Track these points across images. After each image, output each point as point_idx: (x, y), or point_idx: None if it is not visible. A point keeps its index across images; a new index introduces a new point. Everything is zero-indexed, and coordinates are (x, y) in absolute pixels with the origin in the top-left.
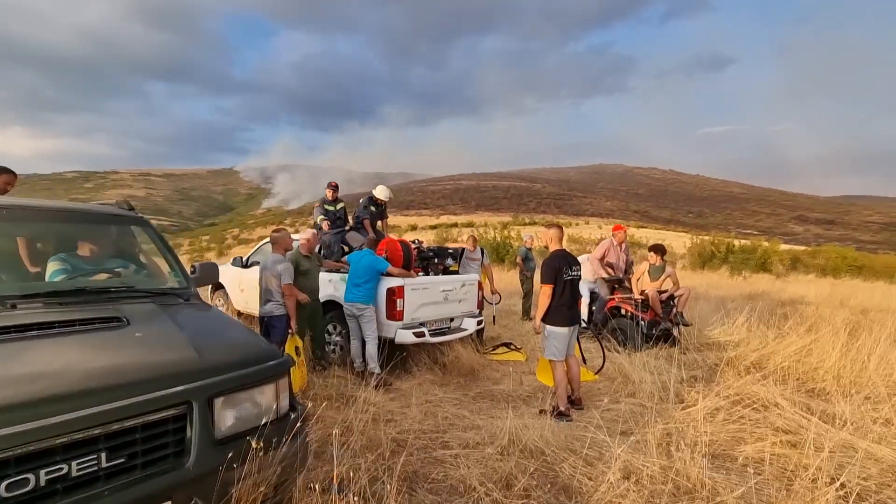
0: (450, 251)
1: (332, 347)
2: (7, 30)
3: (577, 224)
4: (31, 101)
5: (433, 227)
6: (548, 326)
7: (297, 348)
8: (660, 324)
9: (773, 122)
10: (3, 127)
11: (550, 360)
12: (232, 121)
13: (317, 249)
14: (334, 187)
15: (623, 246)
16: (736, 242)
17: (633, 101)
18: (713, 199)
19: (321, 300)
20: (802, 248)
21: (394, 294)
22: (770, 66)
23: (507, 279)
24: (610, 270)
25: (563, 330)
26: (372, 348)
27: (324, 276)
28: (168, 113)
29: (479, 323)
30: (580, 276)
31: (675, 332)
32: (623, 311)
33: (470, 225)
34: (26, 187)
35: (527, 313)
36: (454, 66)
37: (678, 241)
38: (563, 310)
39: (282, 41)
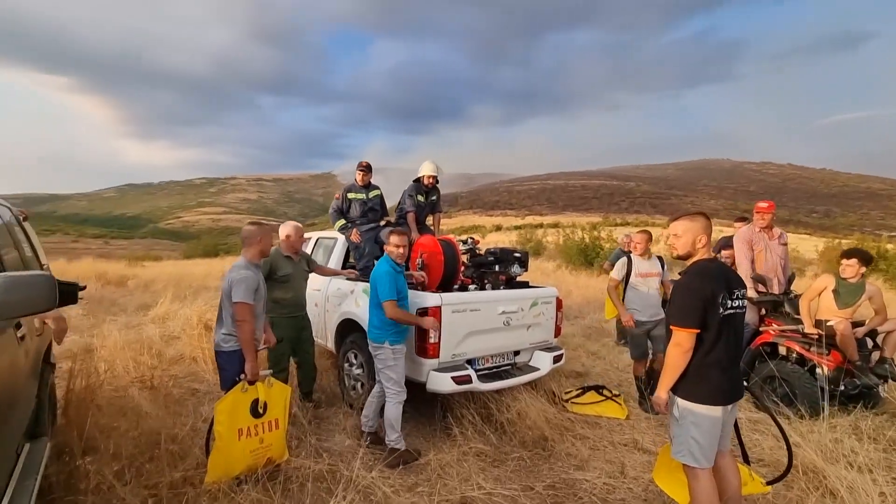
0: (517, 254)
1: (351, 384)
2: (152, 56)
3: None
4: (170, 117)
5: (518, 228)
6: (683, 403)
7: (255, 403)
8: (853, 375)
9: None
10: (150, 141)
11: (685, 466)
12: (330, 128)
13: (343, 250)
14: (365, 168)
15: (780, 238)
16: (889, 246)
17: (742, 89)
18: (844, 195)
19: (341, 317)
20: None
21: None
22: None
23: (595, 286)
24: (759, 284)
25: (713, 412)
26: (393, 411)
27: (344, 287)
28: (277, 122)
29: (558, 359)
30: (745, 306)
31: (880, 389)
32: (786, 352)
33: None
34: (165, 193)
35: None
36: (542, 63)
37: (805, 245)
38: (713, 372)
39: (375, 50)
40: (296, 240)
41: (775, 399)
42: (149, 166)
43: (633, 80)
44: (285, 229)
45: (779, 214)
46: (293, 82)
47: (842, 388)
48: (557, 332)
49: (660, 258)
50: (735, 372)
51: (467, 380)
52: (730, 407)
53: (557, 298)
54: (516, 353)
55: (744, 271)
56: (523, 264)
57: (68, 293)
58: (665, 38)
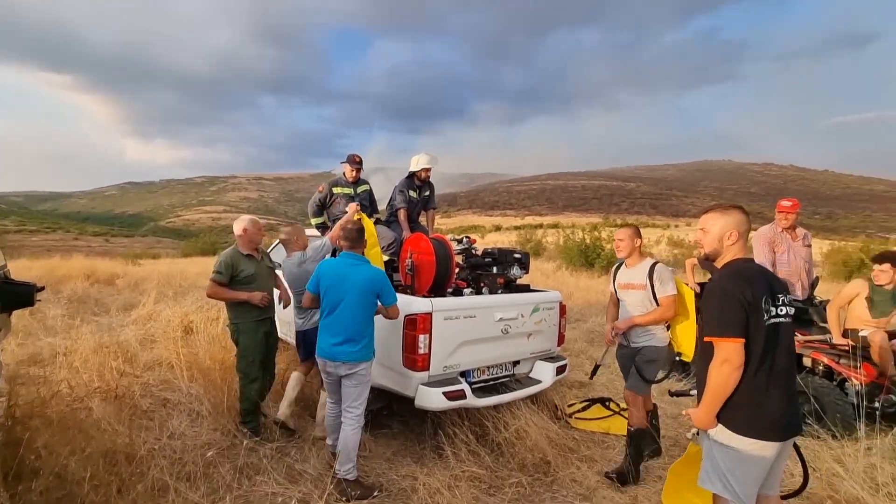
0: (517, 255)
1: None
2: (152, 54)
3: (676, 226)
4: (171, 115)
5: (517, 228)
6: (723, 432)
7: None
8: (889, 392)
9: None
10: (149, 139)
11: (717, 499)
12: (331, 127)
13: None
14: (357, 162)
15: (804, 239)
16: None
17: (744, 90)
18: (847, 197)
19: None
20: None
21: (414, 326)
22: None
23: (597, 288)
24: None
25: (761, 450)
26: (355, 438)
27: None
28: (277, 122)
29: (561, 370)
30: (793, 315)
31: None
32: (814, 365)
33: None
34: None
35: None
36: (544, 63)
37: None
38: (764, 398)
39: (375, 50)
40: (254, 234)
41: (804, 417)
42: (150, 164)
43: (635, 80)
44: (241, 224)
45: None
46: (294, 82)
47: (877, 405)
48: (561, 340)
49: (655, 266)
50: (792, 399)
51: (461, 395)
52: (779, 444)
53: (561, 303)
54: (515, 363)
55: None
56: (524, 266)
57: (19, 295)
58: (667, 37)
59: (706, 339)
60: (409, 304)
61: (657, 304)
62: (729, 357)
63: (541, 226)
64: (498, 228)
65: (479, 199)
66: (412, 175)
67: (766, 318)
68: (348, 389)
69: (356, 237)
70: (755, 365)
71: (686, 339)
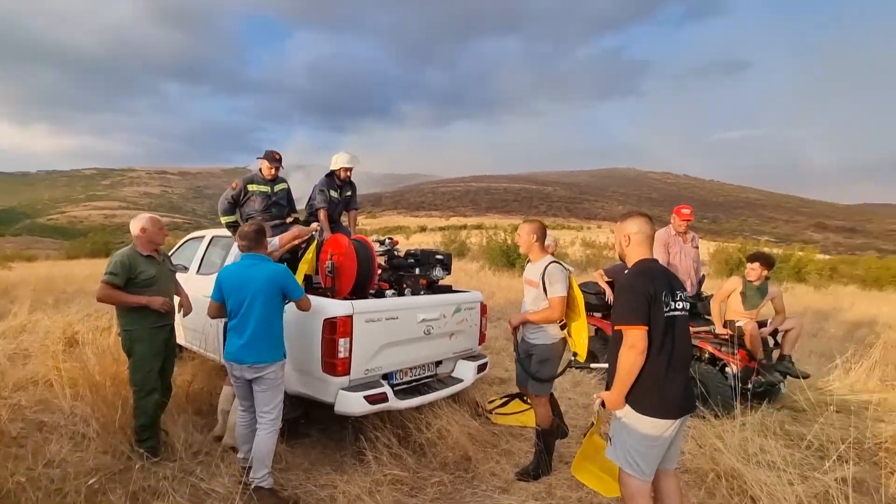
0: (439, 257)
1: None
2: (30, 28)
3: (588, 228)
4: (53, 98)
5: (442, 229)
6: (629, 412)
7: None
8: (759, 374)
9: (791, 128)
10: (26, 124)
11: (622, 473)
12: (246, 120)
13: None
14: (277, 160)
15: (693, 241)
16: (765, 250)
17: (646, 104)
18: (728, 204)
19: None
20: (826, 256)
21: (334, 330)
22: (788, 71)
23: (518, 287)
24: None
25: (661, 427)
26: (270, 442)
27: None
28: (184, 112)
29: (482, 368)
30: (688, 310)
31: (781, 385)
32: (701, 353)
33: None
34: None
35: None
36: (467, 68)
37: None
38: (661, 380)
39: (295, 42)
40: (154, 234)
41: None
42: (25, 153)
43: (552, 89)
44: (139, 223)
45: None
46: (204, 70)
47: (749, 386)
48: (482, 340)
49: (549, 266)
50: (688, 382)
51: (383, 398)
52: (679, 421)
53: (482, 303)
54: (438, 363)
55: None
56: (446, 267)
57: None
58: (580, 52)
59: (616, 327)
60: (328, 306)
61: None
62: (634, 343)
63: (465, 227)
64: (423, 229)
65: (405, 200)
66: (332, 174)
67: (665, 310)
68: (259, 394)
69: (254, 237)
70: (656, 351)
71: (580, 340)
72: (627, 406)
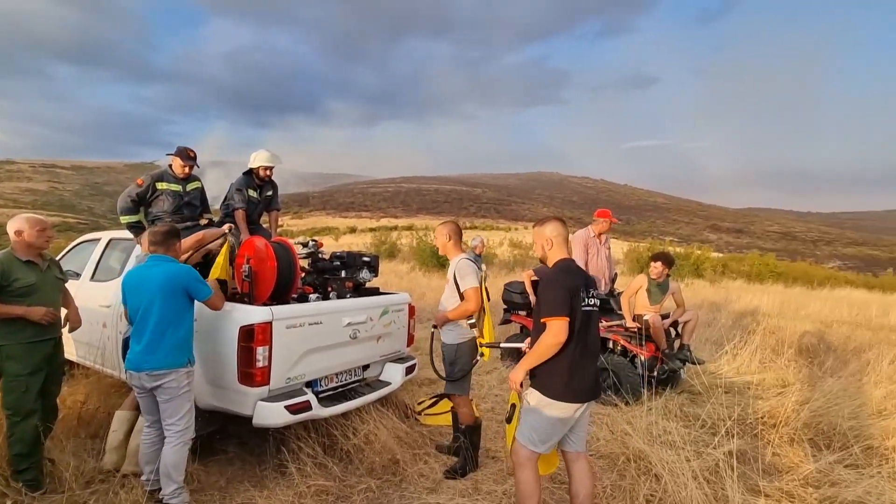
0: (366, 259)
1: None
2: None
3: (516, 228)
4: None
5: (373, 230)
6: (538, 395)
7: None
8: (663, 362)
9: (691, 139)
10: None
11: (516, 443)
12: (155, 112)
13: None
14: (191, 158)
15: (605, 242)
16: (668, 250)
17: (567, 112)
18: (639, 207)
19: None
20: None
21: (251, 338)
22: (689, 87)
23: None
24: None
25: (564, 410)
26: (178, 455)
27: None
28: (79, 98)
29: (411, 370)
30: (598, 306)
31: (681, 372)
32: (614, 346)
33: (410, 228)
34: None
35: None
36: (397, 69)
37: (615, 248)
38: (570, 368)
39: (211, 30)
40: (33, 237)
41: (606, 389)
42: None
43: (481, 94)
44: (15, 224)
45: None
46: (103, 53)
47: (655, 374)
48: (410, 341)
49: (459, 261)
50: (595, 369)
51: (305, 406)
52: (583, 406)
53: (410, 305)
54: (365, 367)
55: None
56: (373, 269)
57: None
58: (508, 59)
59: (542, 320)
60: (245, 313)
61: (461, 299)
62: (557, 332)
63: (396, 228)
64: (353, 230)
65: (334, 200)
66: (251, 172)
67: (582, 305)
68: (162, 405)
69: (161, 239)
70: (573, 342)
71: (487, 332)
72: (538, 393)
